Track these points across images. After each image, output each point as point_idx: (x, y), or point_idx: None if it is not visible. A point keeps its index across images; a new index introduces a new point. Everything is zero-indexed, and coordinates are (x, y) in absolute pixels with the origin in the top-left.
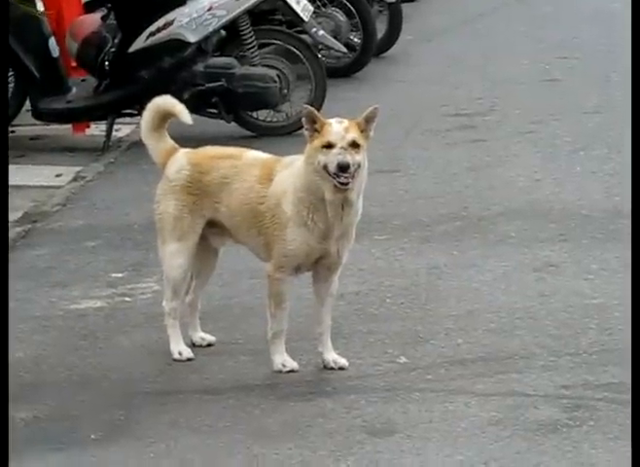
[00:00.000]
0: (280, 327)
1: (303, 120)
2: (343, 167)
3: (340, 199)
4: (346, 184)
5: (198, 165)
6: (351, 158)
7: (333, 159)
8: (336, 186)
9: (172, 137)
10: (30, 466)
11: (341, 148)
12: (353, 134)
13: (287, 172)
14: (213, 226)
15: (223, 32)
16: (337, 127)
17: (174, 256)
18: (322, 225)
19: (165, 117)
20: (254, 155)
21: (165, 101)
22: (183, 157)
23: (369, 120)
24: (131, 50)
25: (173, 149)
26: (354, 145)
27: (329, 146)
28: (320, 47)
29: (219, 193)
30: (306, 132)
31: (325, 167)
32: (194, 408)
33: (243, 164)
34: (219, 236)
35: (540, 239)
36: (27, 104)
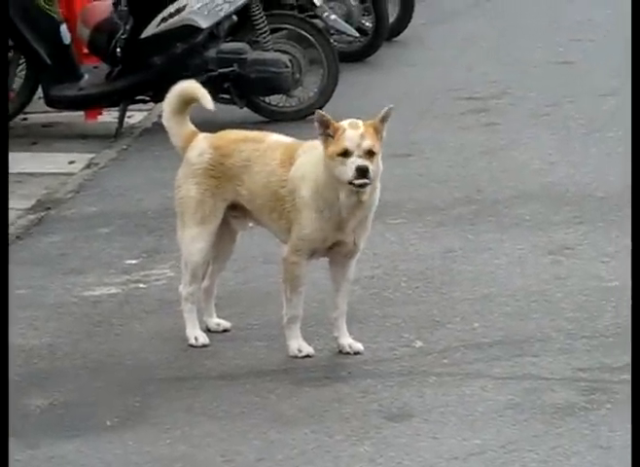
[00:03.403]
0: (296, 312)
1: (316, 124)
2: (362, 171)
3: (354, 202)
4: (364, 186)
5: (220, 149)
6: (369, 163)
7: (350, 167)
8: (352, 189)
9: None
10: (46, 453)
11: (358, 156)
12: (369, 142)
13: (307, 157)
14: (234, 209)
15: (234, 17)
16: (353, 134)
17: (195, 240)
18: (336, 218)
19: (189, 101)
20: (276, 138)
21: (190, 85)
22: (204, 140)
23: (384, 120)
24: (143, 36)
25: (193, 133)
26: (370, 153)
27: (345, 154)
28: (332, 31)
29: (241, 175)
30: (320, 137)
31: (342, 177)
32: (209, 393)
33: (266, 148)
34: (240, 220)
35: (555, 222)
36: (39, 91)
